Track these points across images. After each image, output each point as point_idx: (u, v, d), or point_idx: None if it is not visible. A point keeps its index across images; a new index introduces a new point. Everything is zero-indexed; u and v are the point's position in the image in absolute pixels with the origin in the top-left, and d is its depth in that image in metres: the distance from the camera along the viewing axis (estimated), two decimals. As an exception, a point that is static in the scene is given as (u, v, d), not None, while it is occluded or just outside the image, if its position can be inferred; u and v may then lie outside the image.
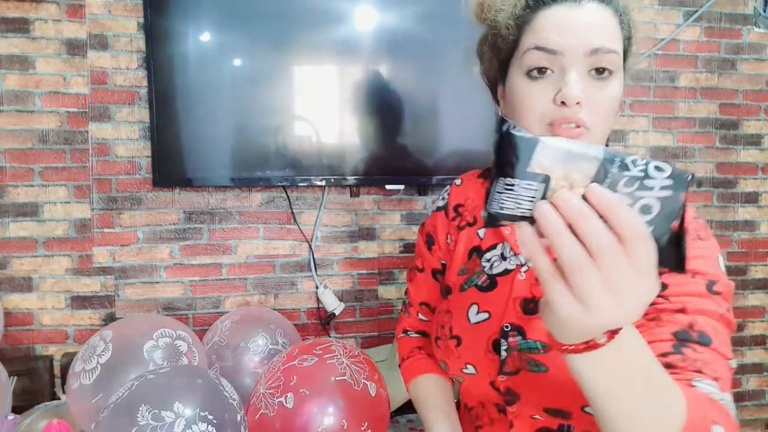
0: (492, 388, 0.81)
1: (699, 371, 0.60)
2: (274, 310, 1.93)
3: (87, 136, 1.90)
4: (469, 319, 0.83)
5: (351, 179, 1.94)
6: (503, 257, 0.83)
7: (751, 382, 2.37)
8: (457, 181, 0.95)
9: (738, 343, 2.35)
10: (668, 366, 0.61)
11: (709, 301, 0.66)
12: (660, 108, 2.22)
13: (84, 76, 1.88)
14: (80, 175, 1.90)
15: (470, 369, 0.82)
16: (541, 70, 0.69)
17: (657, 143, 2.23)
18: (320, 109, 1.91)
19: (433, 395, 0.94)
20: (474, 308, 0.83)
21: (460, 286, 0.87)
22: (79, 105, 1.88)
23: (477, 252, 0.87)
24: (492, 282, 0.83)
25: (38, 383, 1.84)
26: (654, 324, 0.66)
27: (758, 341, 2.36)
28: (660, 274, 0.44)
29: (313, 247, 2.05)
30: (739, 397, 2.36)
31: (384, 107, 1.94)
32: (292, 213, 2.03)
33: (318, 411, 1.20)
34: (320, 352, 1.28)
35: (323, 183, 1.93)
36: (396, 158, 1.96)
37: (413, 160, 1.97)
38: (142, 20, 1.84)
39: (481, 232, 0.88)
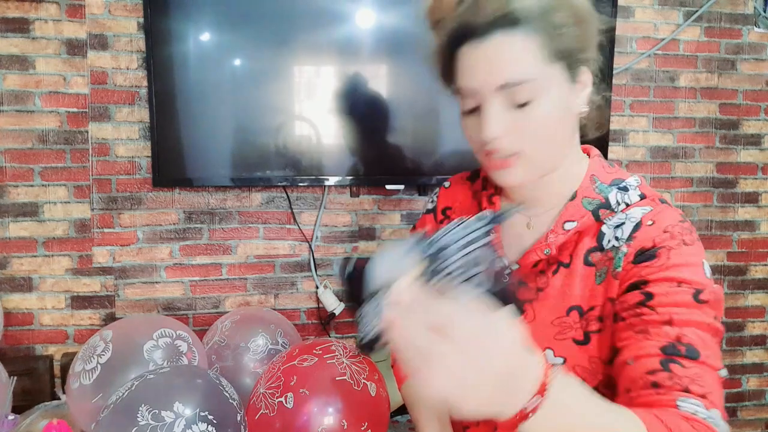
0: None
1: (686, 390, 0.61)
2: (274, 310, 1.94)
3: (87, 136, 1.90)
4: None
5: (351, 179, 1.94)
6: None
7: (751, 382, 2.37)
8: (446, 184, 0.96)
9: (738, 343, 2.35)
10: (655, 385, 0.62)
11: (696, 311, 0.65)
12: (660, 108, 2.22)
13: (84, 76, 1.88)
14: (80, 175, 1.90)
15: None
16: (471, 109, 0.72)
17: (657, 143, 2.23)
18: (320, 109, 1.91)
19: (420, 401, 0.95)
20: None
21: None
22: (79, 105, 1.88)
23: None
24: None
25: (38, 383, 1.84)
26: (642, 337, 0.65)
27: (758, 341, 2.36)
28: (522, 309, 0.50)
29: (313, 247, 2.05)
30: (739, 397, 2.37)
31: (384, 107, 1.94)
32: (292, 213, 2.03)
33: (318, 411, 1.20)
34: (320, 352, 1.28)
35: (323, 183, 1.93)
36: (396, 158, 1.96)
37: (413, 160, 1.97)
38: (142, 20, 1.84)
39: None
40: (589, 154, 0.81)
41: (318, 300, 2.06)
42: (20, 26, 1.83)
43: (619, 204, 0.74)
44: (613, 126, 2.14)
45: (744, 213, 2.31)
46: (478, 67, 0.68)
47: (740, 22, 2.23)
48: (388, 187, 2.00)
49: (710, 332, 0.65)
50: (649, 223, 0.71)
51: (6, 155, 1.85)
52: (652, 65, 2.20)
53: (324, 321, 2.07)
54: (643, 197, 0.74)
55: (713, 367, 0.63)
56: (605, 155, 2.05)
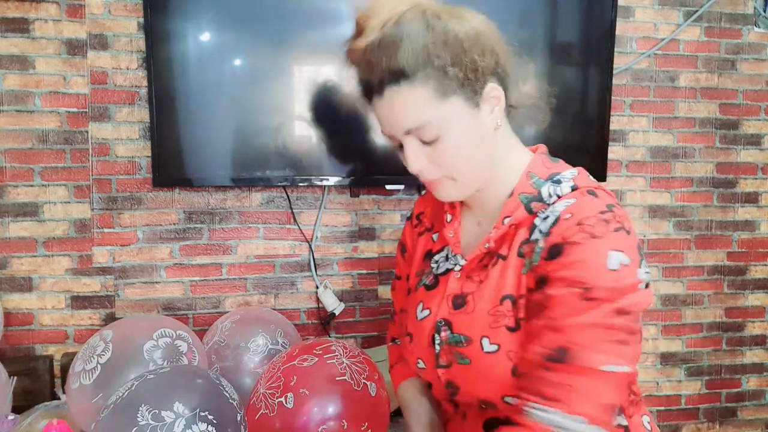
0: (438, 381, 0.85)
1: (538, 394, 0.69)
2: (274, 310, 1.94)
3: (87, 136, 1.90)
4: (417, 316, 0.89)
5: (351, 179, 1.94)
6: (447, 258, 0.89)
7: (751, 382, 2.37)
8: (423, 191, 1.02)
9: (738, 343, 2.35)
10: (520, 388, 0.71)
11: (583, 313, 0.69)
12: (660, 108, 2.22)
13: (84, 76, 1.88)
14: (80, 175, 1.90)
15: (421, 363, 0.88)
16: (398, 146, 0.81)
17: (657, 143, 2.23)
18: (320, 109, 1.91)
19: (410, 400, 0.99)
20: (420, 305, 0.89)
21: (414, 287, 0.94)
22: (79, 105, 1.88)
23: (429, 255, 0.93)
24: (436, 281, 0.89)
25: (38, 383, 1.84)
26: (529, 341, 0.72)
27: (758, 341, 2.36)
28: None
29: (313, 247, 2.05)
30: (739, 397, 2.37)
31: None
32: (292, 213, 2.03)
33: (318, 411, 1.20)
34: (320, 352, 1.28)
35: (323, 183, 1.94)
36: (396, 158, 1.95)
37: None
38: (142, 20, 1.84)
39: (435, 236, 0.94)
40: (536, 152, 0.85)
41: (318, 300, 2.07)
42: (20, 26, 1.83)
43: (551, 196, 0.78)
44: (613, 126, 2.14)
45: (744, 213, 2.32)
46: (384, 118, 0.78)
47: (740, 22, 2.23)
48: (388, 187, 2.00)
49: (600, 329, 0.68)
50: (567, 216, 0.74)
51: (6, 155, 1.86)
52: (652, 65, 2.20)
53: (324, 321, 2.07)
54: (574, 188, 0.77)
55: (589, 369, 0.67)
56: (605, 155, 2.05)
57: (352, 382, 1.24)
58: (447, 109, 0.75)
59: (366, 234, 2.10)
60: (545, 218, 0.76)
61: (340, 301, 2.07)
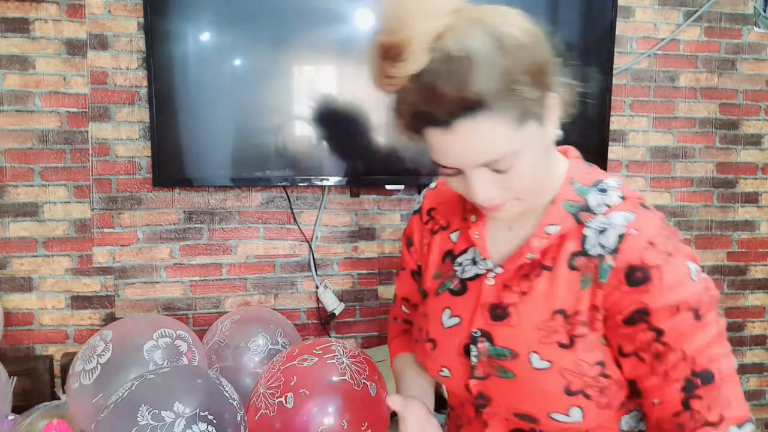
0: (466, 391, 0.82)
1: (705, 424, 0.69)
2: (274, 310, 1.94)
3: (87, 136, 1.90)
4: (442, 323, 0.84)
5: (351, 179, 1.94)
6: (474, 262, 0.84)
7: (751, 382, 2.37)
8: (432, 185, 0.96)
9: (738, 343, 2.35)
10: (680, 426, 0.70)
11: (700, 332, 0.69)
12: (660, 108, 2.22)
13: (84, 76, 1.88)
14: (80, 175, 1.90)
15: (445, 372, 0.84)
16: (452, 173, 0.72)
17: (657, 143, 2.23)
18: (320, 109, 1.91)
19: (404, 371, 0.97)
20: (447, 313, 0.84)
21: (435, 290, 0.88)
22: (79, 105, 1.88)
23: (450, 256, 0.88)
24: (463, 286, 0.84)
25: (38, 383, 1.84)
26: (663, 380, 0.71)
27: (758, 341, 2.36)
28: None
29: (313, 247, 2.05)
30: (739, 397, 2.37)
31: (384, 107, 1.94)
32: (292, 213, 2.03)
33: (318, 411, 1.19)
34: (320, 352, 1.28)
35: (323, 183, 1.94)
36: (396, 158, 1.96)
37: (413, 160, 1.97)
38: (142, 20, 1.84)
39: (454, 236, 0.89)
40: (567, 155, 0.82)
41: (318, 300, 2.07)
42: (20, 26, 1.83)
43: (599, 206, 0.75)
44: (613, 126, 2.14)
45: (744, 213, 2.31)
46: (449, 152, 0.68)
47: (740, 22, 2.23)
48: (388, 187, 2.00)
49: (716, 340, 0.70)
50: (633, 233, 0.71)
51: (6, 155, 1.86)
52: (652, 65, 2.20)
53: (324, 321, 2.07)
54: (623, 198, 0.75)
55: (726, 375, 0.69)
56: (605, 155, 2.05)
57: (352, 382, 1.24)
58: (524, 134, 0.67)
59: (366, 234, 2.10)
60: (602, 231, 0.73)
61: (340, 301, 2.07)
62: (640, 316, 0.70)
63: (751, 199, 2.31)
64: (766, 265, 2.34)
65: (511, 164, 0.68)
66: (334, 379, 1.23)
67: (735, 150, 2.29)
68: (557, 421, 0.74)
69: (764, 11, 2.24)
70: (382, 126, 1.94)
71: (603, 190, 0.76)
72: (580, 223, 0.75)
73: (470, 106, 0.63)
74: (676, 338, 0.69)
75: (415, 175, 1.97)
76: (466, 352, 0.81)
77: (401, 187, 2.03)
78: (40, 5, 1.83)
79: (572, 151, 0.82)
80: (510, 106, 0.64)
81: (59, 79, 1.87)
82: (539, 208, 0.78)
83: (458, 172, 0.71)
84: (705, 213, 2.29)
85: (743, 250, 2.32)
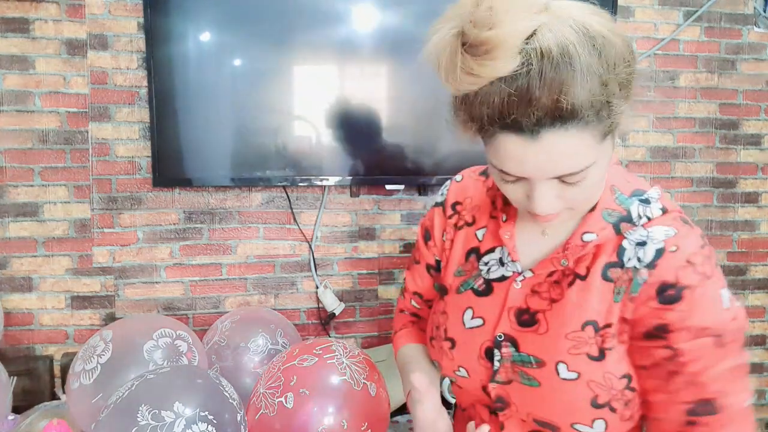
0: (483, 393, 0.81)
1: None
2: (274, 310, 1.94)
3: (87, 136, 1.90)
4: (464, 323, 0.82)
5: (351, 179, 1.94)
6: (501, 262, 0.81)
7: (751, 383, 2.37)
8: (458, 178, 0.92)
9: (738, 343, 2.35)
10: None
11: (720, 359, 0.68)
12: (660, 108, 2.22)
13: (84, 76, 1.88)
14: (80, 175, 1.90)
15: (463, 372, 0.82)
16: (514, 180, 0.67)
17: (657, 143, 2.23)
18: (320, 109, 1.91)
19: (414, 357, 0.95)
20: (469, 312, 0.82)
21: (457, 288, 0.85)
22: (79, 105, 1.88)
23: (475, 253, 0.85)
24: (488, 287, 0.81)
25: (38, 383, 1.84)
26: (669, 398, 0.70)
27: (758, 341, 2.36)
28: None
29: (313, 247, 2.05)
30: (739, 397, 2.37)
31: (384, 107, 1.94)
32: (292, 213, 2.03)
33: (318, 411, 1.19)
34: (320, 352, 1.28)
35: (323, 183, 1.94)
36: (396, 158, 1.96)
37: (413, 160, 1.97)
38: (142, 20, 1.84)
39: (480, 233, 0.85)
40: None
41: (318, 300, 2.07)
42: (20, 26, 1.83)
43: (640, 217, 0.73)
44: (613, 126, 2.14)
45: (744, 213, 2.31)
46: (527, 161, 0.63)
47: (740, 22, 2.23)
48: (388, 187, 2.00)
49: (734, 373, 0.69)
50: (672, 249, 0.69)
51: (6, 155, 1.85)
52: (652, 65, 2.20)
53: (324, 321, 2.07)
54: (664, 211, 0.73)
55: (736, 412, 0.69)
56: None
57: (352, 382, 1.24)
58: (602, 150, 0.64)
59: (366, 234, 2.10)
60: (640, 244, 0.71)
61: (340, 301, 2.07)
62: (660, 333, 0.69)
63: (751, 199, 2.31)
64: (766, 265, 2.34)
65: (582, 178, 0.64)
66: (334, 379, 1.23)
67: (735, 150, 2.29)
68: (579, 430, 0.73)
69: (764, 11, 2.24)
70: (382, 126, 1.94)
71: (645, 201, 0.74)
72: (620, 234, 0.72)
73: (563, 116, 0.59)
74: (692, 362, 0.68)
75: (415, 175, 1.98)
76: (488, 355, 0.79)
77: (401, 187, 2.03)
78: (40, 5, 1.83)
79: (613, 156, 0.76)
80: (602, 119, 0.61)
81: (59, 79, 1.87)
82: (579, 215, 0.75)
83: (520, 179, 0.66)
84: (705, 213, 2.28)
85: (743, 250, 2.32)
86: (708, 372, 0.68)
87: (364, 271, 2.11)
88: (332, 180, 1.93)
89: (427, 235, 0.94)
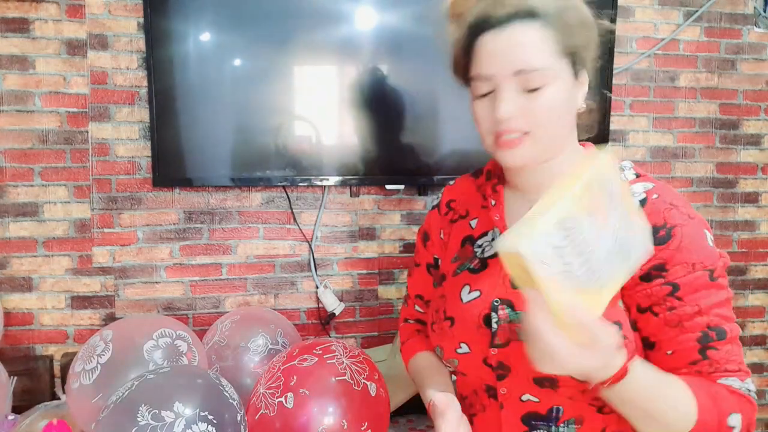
0: (485, 365, 0.84)
1: (724, 370, 0.74)
2: (274, 310, 1.94)
3: (87, 136, 1.90)
4: (461, 299, 0.87)
5: (351, 179, 1.94)
6: (494, 241, 0.88)
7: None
8: (451, 182, 1.01)
9: (738, 343, 2.35)
10: (699, 373, 0.74)
11: (714, 291, 0.74)
12: (660, 108, 2.22)
13: (84, 76, 1.88)
14: (80, 175, 1.90)
15: (464, 348, 0.86)
16: (484, 94, 0.78)
17: (657, 143, 2.23)
18: (320, 109, 1.91)
19: (428, 368, 0.98)
20: (466, 288, 0.87)
21: (453, 271, 0.91)
22: (79, 105, 1.88)
23: (470, 241, 0.91)
24: (483, 264, 0.87)
25: (38, 383, 1.84)
26: (678, 331, 0.75)
27: (758, 341, 2.36)
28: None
29: (313, 247, 2.05)
30: (739, 397, 2.36)
31: (384, 107, 1.94)
32: (292, 213, 2.03)
33: (318, 411, 1.20)
34: (320, 352, 1.28)
35: (323, 183, 1.94)
36: (396, 158, 1.96)
37: (413, 160, 1.97)
38: (142, 20, 1.84)
39: (473, 222, 0.92)
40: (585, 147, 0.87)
41: (318, 300, 2.06)
42: (20, 26, 1.83)
43: None
44: (613, 126, 2.14)
45: (744, 213, 2.31)
46: (496, 54, 0.75)
47: (740, 22, 2.23)
48: (388, 187, 2.00)
49: (727, 303, 0.75)
50: (654, 197, 0.77)
51: (6, 155, 1.85)
52: (652, 65, 2.20)
53: (324, 321, 2.07)
54: (638, 176, 0.82)
55: (736, 335, 0.75)
56: (605, 155, 2.05)
57: (352, 382, 1.24)
58: (559, 65, 0.76)
59: (366, 234, 2.10)
60: None
61: (340, 301, 2.07)
62: (658, 272, 0.75)
63: (751, 199, 2.31)
64: (766, 265, 2.34)
65: (540, 84, 0.74)
66: (334, 379, 1.23)
67: (735, 150, 2.29)
68: (577, 380, 0.74)
69: (764, 11, 2.24)
70: (382, 126, 1.94)
71: (620, 169, 0.82)
72: None
73: (529, 12, 0.73)
74: (691, 293, 0.74)
75: (415, 175, 1.98)
76: (486, 322, 0.83)
77: (401, 187, 2.03)
78: (40, 5, 1.83)
79: (590, 145, 0.89)
80: (557, 30, 0.74)
81: (59, 79, 1.87)
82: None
83: (487, 94, 0.78)
84: (705, 213, 2.28)
85: (743, 250, 2.32)
86: (707, 302, 0.74)
87: (364, 271, 2.11)
88: (332, 180, 1.93)
89: (425, 238, 1.01)
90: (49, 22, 1.84)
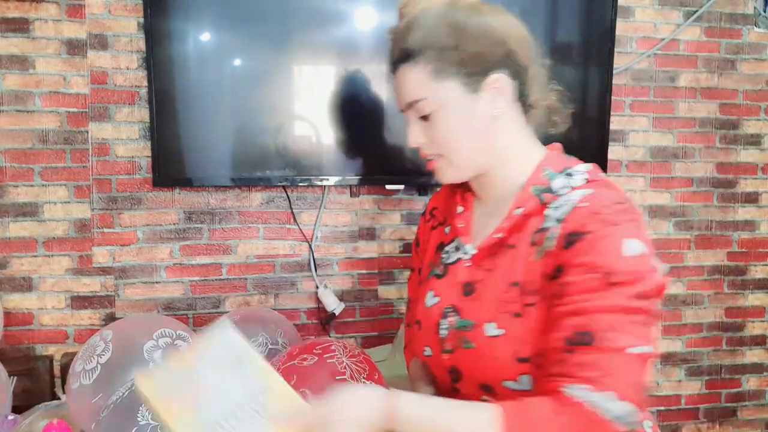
0: (442, 369, 0.87)
1: (572, 376, 0.69)
2: (274, 310, 1.94)
3: (87, 136, 1.90)
4: (426, 304, 0.91)
5: (351, 179, 1.94)
6: (457, 248, 0.91)
7: (751, 382, 2.37)
8: (438, 189, 1.05)
9: (738, 343, 2.35)
10: (549, 375, 0.71)
11: (605, 295, 0.70)
12: (660, 108, 2.22)
13: (84, 76, 1.88)
14: (80, 175, 1.90)
15: (428, 351, 0.89)
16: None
17: (657, 143, 2.23)
18: (320, 109, 1.91)
19: (416, 374, 0.99)
20: (430, 294, 0.91)
21: (426, 277, 0.96)
22: (79, 105, 1.88)
23: (441, 247, 0.95)
24: (446, 270, 0.91)
25: (38, 383, 1.84)
26: (553, 329, 0.73)
27: (758, 341, 2.36)
28: None
29: (313, 247, 2.05)
30: (739, 397, 2.37)
31: (384, 107, 1.94)
32: (292, 213, 2.03)
33: (318, 411, 1.19)
34: (320, 351, 1.28)
35: (323, 183, 1.94)
36: (396, 158, 1.96)
37: (413, 160, 1.96)
38: (142, 20, 1.84)
39: (447, 229, 0.96)
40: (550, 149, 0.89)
41: (318, 300, 2.06)
42: (20, 26, 1.83)
43: (563, 188, 0.80)
44: (613, 126, 2.14)
45: (744, 213, 2.31)
46: (396, 92, 0.87)
47: (740, 22, 2.23)
48: (388, 187, 2.00)
49: (622, 312, 0.70)
50: (583, 204, 0.76)
51: (6, 155, 1.85)
52: (652, 65, 2.20)
53: (324, 321, 2.07)
54: (588, 181, 0.80)
55: (615, 349, 0.69)
56: (605, 155, 2.06)
57: (352, 381, 1.24)
58: (443, 89, 0.81)
59: (366, 234, 2.10)
60: (557, 207, 0.78)
61: (340, 301, 2.07)
62: (556, 273, 0.75)
63: (751, 199, 2.31)
64: (766, 265, 2.34)
65: (429, 111, 0.82)
66: (334, 379, 1.23)
67: (735, 150, 2.29)
68: (510, 389, 0.77)
69: (764, 11, 2.24)
70: (382, 126, 1.94)
71: (569, 174, 0.82)
72: (543, 204, 0.81)
73: (404, 55, 0.83)
74: (577, 293, 0.72)
75: (415, 175, 1.98)
76: (439, 327, 0.87)
77: (401, 187, 2.03)
78: (40, 5, 1.83)
79: (555, 145, 0.89)
80: (430, 60, 0.81)
81: (59, 79, 1.87)
82: (510, 192, 0.85)
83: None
84: (705, 213, 2.28)
85: (743, 250, 2.32)
86: (589, 303, 0.71)
87: (364, 271, 2.11)
88: (332, 180, 1.93)
89: (416, 243, 1.06)
90: (49, 22, 1.84)
